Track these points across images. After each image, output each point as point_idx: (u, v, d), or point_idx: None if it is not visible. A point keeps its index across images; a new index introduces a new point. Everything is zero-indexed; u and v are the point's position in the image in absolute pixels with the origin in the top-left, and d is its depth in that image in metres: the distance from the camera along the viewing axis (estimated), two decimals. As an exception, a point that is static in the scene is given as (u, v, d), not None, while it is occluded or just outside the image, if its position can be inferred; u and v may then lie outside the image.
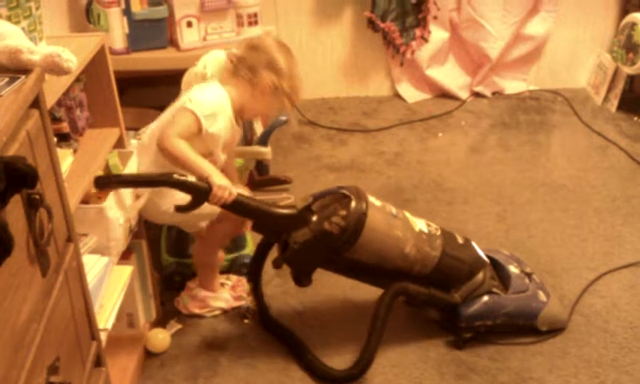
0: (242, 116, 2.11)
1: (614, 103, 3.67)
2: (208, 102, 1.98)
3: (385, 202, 2.05)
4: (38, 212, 1.14)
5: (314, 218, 1.95)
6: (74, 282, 1.33)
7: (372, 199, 1.99)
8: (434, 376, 2.04)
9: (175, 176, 1.87)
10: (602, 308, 2.28)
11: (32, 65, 1.21)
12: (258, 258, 2.17)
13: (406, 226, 2.03)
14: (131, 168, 1.93)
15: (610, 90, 3.71)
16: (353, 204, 1.93)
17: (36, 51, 1.22)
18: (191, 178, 1.86)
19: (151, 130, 2.10)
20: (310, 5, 3.68)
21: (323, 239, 1.93)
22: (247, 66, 2.04)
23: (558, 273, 2.44)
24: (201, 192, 1.87)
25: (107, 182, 1.78)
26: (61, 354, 1.22)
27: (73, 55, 1.28)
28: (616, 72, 3.65)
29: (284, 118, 2.68)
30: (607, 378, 2.01)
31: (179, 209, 1.90)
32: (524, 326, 2.15)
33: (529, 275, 2.24)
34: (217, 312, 2.25)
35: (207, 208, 1.97)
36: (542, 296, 2.18)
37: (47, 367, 1.16)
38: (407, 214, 2.08)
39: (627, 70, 3.54)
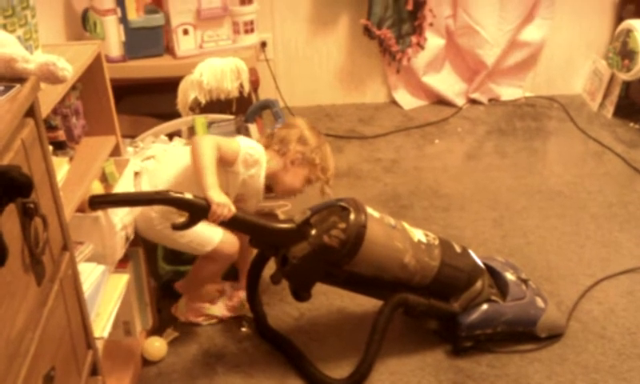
0: (272, 186, 2.15)
1: (609, 109, 3.67)
2: (255, 150, 2.04)
3: (383, 213, 2.04)
4: (33, 221, 1.13)
5: (313, 232, 1.94)
6: (69, 291, 1.33)
7: (370, 211, 1.98)
8: (431, 383, 2.03)
9: (172, 193, 1.85)
10: (599, 314, 2.28)
11: (27, 73, 1.20)
12: (256, 267, 2.16)
13: (404, 236, 2.02)
14: (127, 176, 1.92)
15: (605, 96, 3.72)
16: (352, 216, 1.92)
17: (31, 60, 1.22)
18: (188, 195, 1.84)
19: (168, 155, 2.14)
20: (306, 12, 3.69)
21: (323, 253, 1.92)
22: (279, 139, 2.12)
23: (555, 279, 2.44)
24: (199, 209, 1.84)
25: (102, 202, 1.76)
26: (56, 364, 1.21)
27: (68, 64, 1.27)
28: (612, 78, 3.66)
29: (280, 120, 2.68)
30: (605, 384, 2.01)
31: (176, 227, 1.88)
32: (523, 333, 2.14)
33: (525, 282, 2.24)
34: (213, 321, 2.25)
35: (200, 237, 2.00)
36: (539, 302, 2.18)
37: (42, 377, 1.15)
38: (405, 225, 2.08)
39: (623, 77, 3.55)
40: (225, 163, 1.98)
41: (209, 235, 2.03)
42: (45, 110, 1.45)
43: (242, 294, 2.27)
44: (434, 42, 3.74)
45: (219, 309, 2.25)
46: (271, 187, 2.15)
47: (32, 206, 1.12)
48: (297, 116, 2.23)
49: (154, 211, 1.98)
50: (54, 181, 1.29)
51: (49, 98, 1.51)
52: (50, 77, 1.25)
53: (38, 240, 1.15)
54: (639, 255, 2.57)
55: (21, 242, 1.10)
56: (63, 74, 1.26)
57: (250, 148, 2.02)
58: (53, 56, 1.26)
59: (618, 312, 2.29)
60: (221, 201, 1.84)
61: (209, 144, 1.91)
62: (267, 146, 2.13)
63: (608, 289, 2.40)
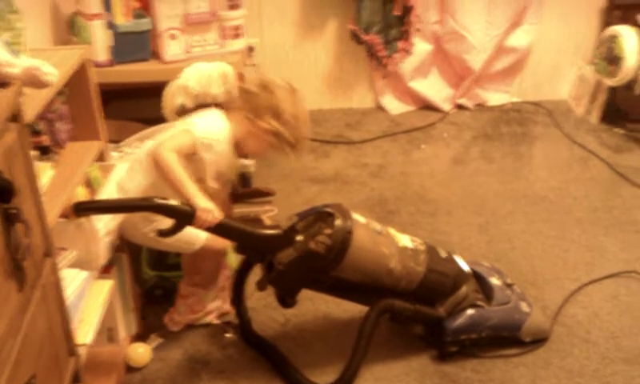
0: (239, 150, 2.08)
1: (595, 115, 3.70)
2: (209, 131, 1.96)
3: (369, 219, 2.04)
4: (15, 226, 1.13)
5: (299, 238, 1.94)
6: (51, 297, 1.32)
7: (356, 216, 1.98)
8: (417, 388, 2.04)
9: (157, 200, 1.83)
10: (584, 318, 2.29)
11: (11, 78, 1.20)
12: (241, 273, 2.16)
13: (390, 242, 2.02)
14: (112, 181, 1.92)
15: (591, 101, 3.75)
16: (338, 222, 1.92)
17: (15, 64, 1.22)
18: (173, 202, 1.83)
19: (145, 149, 2.08)
20: (294, 17, 3.69)
21: (309, 259, 1.91)
22: (252, 105, 2.02)
23: (540, 284, 2.45)
24: (184, 215, 1.83)
25: (87, 208, 1.75)
26: (38, 371, 1.21)
27: (53, 68, 1.27)
28: (597, 84, 3.69)
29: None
30: (589, 388, 2.02)
31: (162, 233, 1.87)
32: (507, 338, 2.15)
33: (510, 286, 2.25)
34: (207, 319, 2.23)
35: (187, 236, 1.97)
36: (524, 307, 2.19)
37: (23, 384, 1.15)
38: (391, 230, 2.08)
39: (608, 82, 3.57)
40: (188, 158, 1.93)
41: (195, 233, 2.01)
42: (30, 114, 1.44)
43: (227, 300, 2.27)
44: (421, 47, 3.75)
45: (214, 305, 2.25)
46: (237, 147, 2.06)
47: (14, 211, 1.11)
48: (275, 77, 2.09)
49: (138, 214, 1.98)
50: (36, 186, 1.29)
51: (34, 103, 1.50)
52: (35, 81, 1.25)
53: (19, 246, 1.15)
54: (624, 259, 2.58)
55: (2, 247, 1.10)
56: (48, 79, 1.26)
57: (203, 134, 1.94)
58: (37, 60, 1.26)
59: (602, 316, 2.30)
60: (206, 207, 1.83)
61: (170, 157, 1.85)
62: (239, 107, 2.04)
63: (592, 293, 2.41)
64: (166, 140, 1.92)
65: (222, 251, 2.12)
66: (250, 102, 2.03)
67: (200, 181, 1.99)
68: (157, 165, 1.88)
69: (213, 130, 1.98)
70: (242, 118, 2.03)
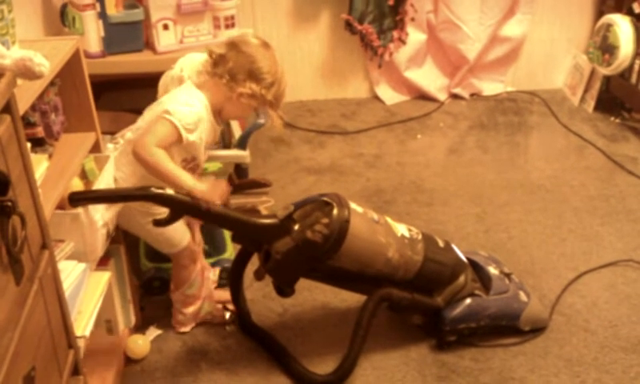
0: (220, 116, 2.04)
1: (590, 104, 3.70)
2: (188, 112, 1.89)
3: (366, 208, 2.03)
4: (11, 219, 1.11)
5: (296, 227, 1.93)
6: (49, 290, 1.31)
7: (353, 205, 1.98)
8: (415, 378, 2.03)
9: (153, 189, 1.82)
10: (582, 307, 2.29)
11: (2, 69, 1.18)
12: (239, 263, 2.15)
13: (387, 231, 2.01)
14: (108, 172, 1.90)
15: (586, 90, 3.75)
16: (335, 211, 1.91)
17: (7, 55, 1.20)
18: (170, 191, 1.82)
19: (129, 137, 2.06)
20: (288, 7, 3.67)
21: (306, 248, 1.90)
22: (227, 70, 1.94)
23: (538, 273, 2.45)
24: (180, 205, 1.83)
25: (82, 198, 1.73)
26: (36, 364, 1.19)
27: (45, 59, 1.25)
28: (592, 73, 3.69)
29: (262, 121, 2.66)
30: (588, 376, 2.02)
31: (158, 223, 1.86)
32: (506, 327, 2.15)
33: (508, 276, 2.25)
34: (207, 306, 2.22)
35: (178, 232, 2.00)
36: (522, 296, 2.19)
37: (22, 377, 1.13)
38: (388, 219, 2.07)
39: (603, 71, 3.57)
40: (176, 145, 1.90)
41: (181, 235, 2.07)
42: (22, 106, 1.43)
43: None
44: (415, 37, 3.74)
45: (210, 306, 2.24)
46: (218, 114, 2.02)
47: (9, 204, 1.10)
48: (248, 34, 2.01)
49: (137, 204, 1.96)
50: (32, 178, 1.27)
51: (26, 94, 1.49)
52: (27, 72, 1.23)
53: (16, 239, 1.13)
54: (621, 248, 2.58)
55: (-2, 240, 1.08)
56: (40, 70, 1.24)
57: (184, 119, 1.87)
58: (29, 51, 1.23)
59: (600, 305, 2.30)
60: (206, 188, 1.84)
61: (156, 154, 1.81)
62: (214, 74, 1.96)
63: (590, 282, 2.41)
64: (146, 135, 1.84)
65: (197, 259, 2.16)
66: (224, 67, 1.95)
67: (192, 159, 1.99)
68: (143, 165, 1.85)
69: (192, 109, 1.91)
70: (218, 86, 1.96)
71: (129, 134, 2.08)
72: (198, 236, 2.22)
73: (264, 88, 1.95)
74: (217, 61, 1.97)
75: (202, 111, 1.94)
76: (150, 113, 2.02)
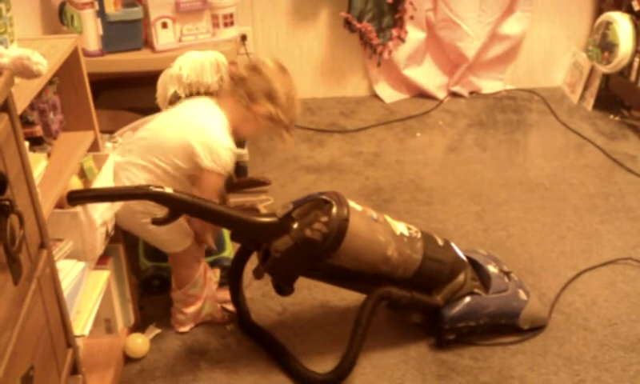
0: (234, 136, 2.07)
1: (589, 102, 3.69)
2: (222, 155, 1.96)
3: (365, 207, 2.03)
4: (9, 218, 1.11)
5: (295, 226, 1.92)
6: (47, 289, 1.30)
7: (352, 204, 1.97)
8: (415, 376, 2.03)
9: (152, 188, 1.83)
10: (581, 306, 2.29)
11: (0, 68, 1.18)
12: (238, 262, 2.15)
13: (387, 229, 2.01)
14: (106, 171, 1.90)
15: (585, 88, 3.74)
16: (334, 210, 1.91)
17: (5, 54, 1.19)
18: (169, 190, 1.82)
19: (141, 135, 2.07)
20: (287, 6, 3.67)
21: (305, 247, 1.90)
22: (246, 91, 2.03)
23: (538, 271, 2.45)
24: (179, 204, 1.84)
25: (81, 197, 1.73)
26: (35, 363, 1.19)
27: (43, 58, 1.25)
28: (591, 71, 3.68)
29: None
30: (587, 375, 2.02)
31: (156, 222, 1.86)
32: (506, 326, 2.15)
33: (507, 274, 2.24)
34: (208, 309, 2.21)
35: (180, 232, 2.01)
36: (522, 294, 2.18)
37: (21, 377, 1.13)
38: (388, 218, 2.07)
39: (602, 69, 3.57)
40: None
41: (184, 235, 2.07)
42: (21, 105, 1.42)
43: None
44: (414, 35, 3.73)
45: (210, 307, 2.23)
46: (234, 133, 2.07)
47: (7, 203, 1.09)
48: (265, 58, 2.10)
49: (138, 204, 1.96)
50: (30, 177, 1.26)
51: (25, 93, 1.49)
52: (25, 71, 1.22)
53: (14, 238, 1.13)
54: (620, 246, 2.58)
55: (-4, 239, 1.08)
56: (38, 69, 1.24)
57: (228, 164, 1.98)
58: (27, 50, 1.23)
59: (599, 303, 2.30)
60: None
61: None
62: (232, 93, 2.05)
63: (590, 280, 2.41)
64: (206, 192, 1.96)
65: (202, 256, 2.16)
66: (244, 87, 2.04)
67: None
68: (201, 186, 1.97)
69: (223, 151, 1.97)
70: (236, 104, 2.04)
71: (139, 133, 2.08)
72: (210, 240, 2.21)
73: (280, 109, 2.04)
74: (237, 82, 2.06)
75: (230, 141, 2.00)
76: (171, 129, 2.02)
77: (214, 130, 1.99)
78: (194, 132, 1.97)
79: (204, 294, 2.17)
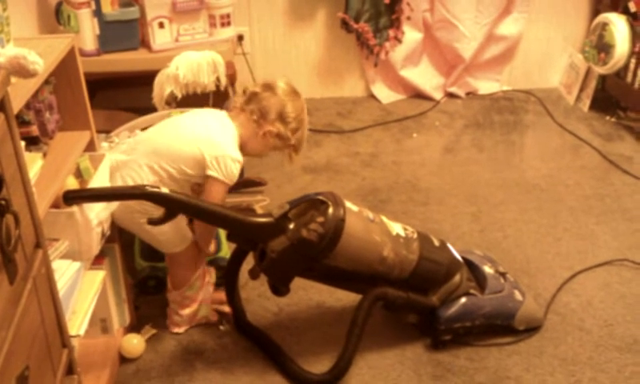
0: (241, 151, 2.08)
1: (586, 103, 3.70)
2: (233, 168, 1.98)
3: (361, 207, 2.03)
4: (5, 218, 1.10)
5: (291, 226, 1.92)
6: (43, 289, 1.30)
7: (349, 204, 1.97)
8: (411, 377, 2.03)
9: (148, 188, 1.83)
10: (577, 306, 2.29)
11: (-4, 67, 1.18)
12: (234, 262, 2.14)
13: (383, 230, 2.01)
14: (103, 171, 1.90)
15: (582, 89, 3.75)
16: (330, 210, 1.91)
17: (1, 53, 1.19)
18: (165, 190, 1.83)
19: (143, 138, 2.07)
20: (283, 6, 3.67)
21: (301, 247, 1.90)
22: (259, 108, 2.05)
23: (533, 272, 2.45)
24: (175, 204, 1.84)
25: (77, 196, 1.73)
26: (30, 363, 1.19)
27: (39, 57, 1.25)
28: (588, 72, 3.69)
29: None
30: (583, 376, 2.02)
31: (152, 222, 1.86)
32: (501, 326, 2.15)
33: (503, 275, 2.25)
34: (204, 311, 2.21)
35: (179, 233, 2.01)
36: (517, 295, 2.19)
37: (16, 377, 1.13)
38: (384, 218, 2.07)
39: (599, 70, 3.57)
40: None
41: (183, 234, 2.06)
42: (17, 104, 1.42)
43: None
44: (411, 35, 3.74)
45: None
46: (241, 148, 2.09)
47: (3, 202, 1.09)
48: (277, 78, 2.13)
49: (137, 204, 1.96)
50: (26, 177, 1.26)
51: (21, 93, 1.48)
52: (21, 70, 1.23)
53: (9, 237, 1.13)
54: (616, 247, 2.59)
55: (-8, 239, 1.08)
56: (34, 68, 1.24)
57: (233, 173, 1.99)
58: (23, 49, 1.23)
59: (595, 304, 2.30)
60: None
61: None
62: (244, 109, 2.07)
63: (585, 281, 2.42)
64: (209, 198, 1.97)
65: (201, 259, 2.15)
66: (257, 104, 2.06)
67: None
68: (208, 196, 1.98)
69: (234, 165, 1.99)
70: (247, 120, 2.06)
71: (147, 133, 2.07)
72: (209, 250, 2.21)
73: (290, 131, 2.06)
74: (250, 98, 2.07)
75: (240, 161, 2.01)
76: (181, 138, 2.02)
77: (225, 143, 2.01)
78: (207, 145, 1.98)
79: (200, 296, 2.17)
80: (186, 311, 2.17)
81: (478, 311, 2.11)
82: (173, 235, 2.04)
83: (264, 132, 2.06)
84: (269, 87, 2.09)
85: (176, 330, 2.19)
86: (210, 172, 1.96)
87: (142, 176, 1.97)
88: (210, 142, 1.99)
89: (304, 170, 3.15)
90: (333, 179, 3.09)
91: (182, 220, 2.03)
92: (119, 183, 1.97)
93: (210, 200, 1.97)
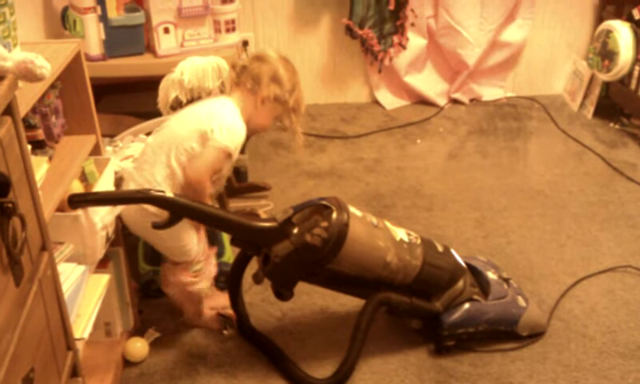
0: (247, 128, 2.07)
1: (590, 110, 3.70)
2: (235, 133, 1.97)
3: (365, 213, 2.04)
4: (11, 220, 1.11)
5: (295, 231, 1.93)
6: (48, 292, 1.31)
7: (353, 209, 1.98)
8: (414, 382, 2.03)
9: (153, 192, 1.83)
10: (580, 313, 2.29)
11: (4, 71, 1.18)
12: (238, 267, 2.15)
13: (386, 235, 2.02)
14: (108, 175, 1.90)
15: (586, 96, 3.75)
16: (334, 215, 1.91)
17: (8, 58, 1.20)
18: (170, 194, 1.83)
19: (152, 141, 2.06)
20: (288, 12, 3.68)
21: (305, 252, 1.90)
22: (251, 76, 2.05)
23: (537, 278, 2.45)
24: (180, 208, 1.85)
25: (82, 200, 1.74)
26: (35, 365, 1.20)
27: (46, 62, 1.26)
28: (592, 79, 3.69)
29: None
30: (586, 382, 2.02)
31: (156, 226, 1.86)
32: (505, 332, 2.15)
33: (506, 281, 2.25)
34: (204, 283, 2.16)
35: (192, 242, 2.01)
36: (521, 301, 2.19)
37: (21, 378, 1.13)
38: (387, 224, 2.08)
39: (603, 77, 3.57)
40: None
41: (192, 247, 2.05)
42: (23, 108, 1.43)
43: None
44: (415, 41, 3.75)
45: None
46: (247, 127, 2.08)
47: (10, 205, 1.10)
48: (268, 49, 2.16)
49: (144, 207, 1.95)
50: (32, 180, 1.27)
51: (27, 97, 1.49)
52: (28, 74, 1.23)
53: (16, 240, 1.14)
54: (619, 254, 2.59)
55: (-2, 241, 1.09)
56: (42, 72, 1.25)
57: (234, 140, 1.95)
58: (31, 54, 1.24)
59: (598, 311, 2.30)
60: None
61: (207, 180, 1.94)
62: (237, 83, 2.08)
63: (589, 288, 2.42)
64: (201, 163, 1.93)
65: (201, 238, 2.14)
66: (249, 74, 2.06)
67: (216, 181, 2.03)
68: (196, 187, 1.94)
69: (238, 129, 1.99)
70: (244, 92, 2.06)
71: (152, 136, 2.08)
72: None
73: (286, 91, 2.06)
74: (241, 71, 2.08)
75: (242, 128, 2.00)
76: (185, 123, 2.01)
77: (228, 113, 2.01)
78: (208, 115, 1.99)
79: (205, 271, 2.15)
80: (189, 286, 2.12)
81: (482, 317, 2.11)
82: (186, 244, 2.03)
83: (262, 98, 2.04)
84: (258, 57, 2.10)
85: (196, 322, 2.21)
86: (211, 136, 1.94)
87: (154, 174, 1.96)
88: (214, 114, 1.99)
89: (308, 176, 3.16)
90: (337, 184, 3.09)
91: (193, 232, 2.03)
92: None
93: (200, 162, 1.93)
